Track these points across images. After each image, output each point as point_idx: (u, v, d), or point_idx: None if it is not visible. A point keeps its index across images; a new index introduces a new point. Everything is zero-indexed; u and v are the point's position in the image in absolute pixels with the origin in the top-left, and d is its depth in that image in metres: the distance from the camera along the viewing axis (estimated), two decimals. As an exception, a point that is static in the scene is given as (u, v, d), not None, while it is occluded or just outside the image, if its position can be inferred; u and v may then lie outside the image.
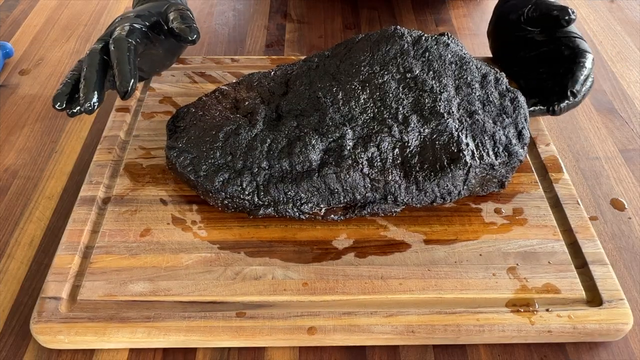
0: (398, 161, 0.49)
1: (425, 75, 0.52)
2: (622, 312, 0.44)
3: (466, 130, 0.50)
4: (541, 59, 0.62)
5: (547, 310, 0.44)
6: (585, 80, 0.58)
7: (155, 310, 0.44)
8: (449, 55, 0.54)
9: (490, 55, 0.73)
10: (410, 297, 0.45)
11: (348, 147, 0.48)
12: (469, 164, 0.49)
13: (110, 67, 0.52)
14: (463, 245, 0.49)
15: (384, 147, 0.49)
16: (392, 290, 0.46)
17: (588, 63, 0.59)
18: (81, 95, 0.50)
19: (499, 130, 0.51)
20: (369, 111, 0.50)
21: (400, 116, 0.50)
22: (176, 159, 0.50)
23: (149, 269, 0.47)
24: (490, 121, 0.51)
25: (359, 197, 0.49)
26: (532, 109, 0.58)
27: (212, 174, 0.49)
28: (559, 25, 0.61)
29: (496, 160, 0.50)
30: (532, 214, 0.52)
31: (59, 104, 0.50)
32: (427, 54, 0.54)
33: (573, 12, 0.60)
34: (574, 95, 0.57)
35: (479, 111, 0.52)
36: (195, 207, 0.52)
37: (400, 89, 0.51)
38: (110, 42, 0.53)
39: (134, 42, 0.53)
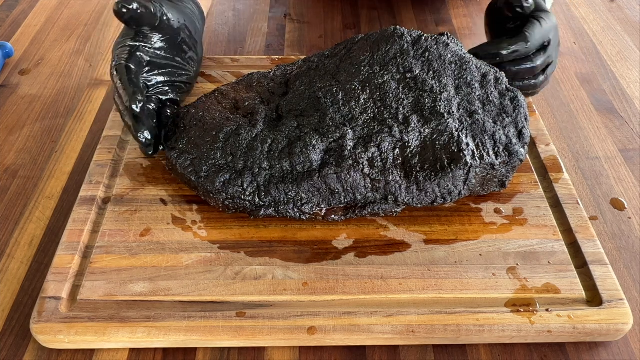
0: (399, 161, 0.49)
1: (425, 75, 0.52)
2: (622, 312, 0.44)
3: (466, 130, 0.50)
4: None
5: (547, 310, 0.44)
6: (541, 32, 0.56)
7: (155, 310, 0.44)
8: (449, 55, 0.54)
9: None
10: (410, 297, 0.45)
11: (349, 148, 0.48)
12: (469, 164, 0.49)
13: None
14: (463, 245, 0.49)
15: (384, 147, 0.49)
16: (392, 290, 0.46)
17: (548, 21, 0.57)
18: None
19: (499, 129, 0.51)
20: (369, 111, 0.50)
21: (400, 116, 0.50)
22: (177, 160, 0.50)
23: (149, 269, 0.47)
24: (491, 121, 0.51)
25: (359, 197, 0.49)
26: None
27: (213, 174, 0.49)
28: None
29: (497, 160, 0.50)
30: (532, 214, 0.52)
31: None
32: (427, 54, 0.54)
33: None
34: (525, 39, 0.55)
35: (479, 111, 0.52)
36: (195, 207, 0.52)
37: (401, 89, 0.51)
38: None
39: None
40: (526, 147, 0.52)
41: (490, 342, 0.44)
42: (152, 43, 0.55)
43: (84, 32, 0.80)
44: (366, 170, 0.48)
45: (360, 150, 0.48)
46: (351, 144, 0.49)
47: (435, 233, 0.50)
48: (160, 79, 0.55)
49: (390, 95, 0.51)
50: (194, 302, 0.45)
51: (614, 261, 0.50)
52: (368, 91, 0.51)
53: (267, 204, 0.49)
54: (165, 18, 0.55)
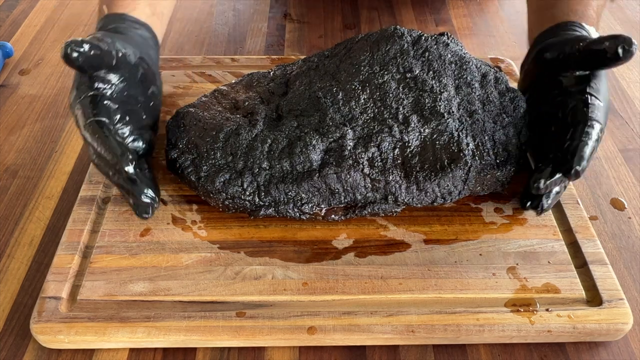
0: (398, 161, 0.49)
1: (425, 75, 0.52)
2: (622, 312, 0.44)
3: (466, 130, 0.50)
4: (549, 116, 0.50)
5: (547, 310, 0.44)
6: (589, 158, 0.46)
7: (155, 310, 0.44)
8: (449, 55, 0.54)
9: (489, 55, 0.73)
10: (410, 297, 0.45)
11: (348, 147, 0.48)
12: (469, 164, 0.49)
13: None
14: (463, 245, 0.49)
15: (384, 147, 0.49)
16: (392, 290, 0.46)
17: (594, 134, 0.46)
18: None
19: (499, 129, 0.51)
20: (369, 111, 0.50)
21: (400, 116, 0.50)
22: (177, 160, 0.50)
23: (149, 269, 0.47)
24: (490, 121, 0.51)
25: (359, 197, 0.49)
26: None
27: (213, 174, 0.49)
28: (606, 63, 0.48)
29: (496, 159, 0.50)
30: (532, 213, 0.52)
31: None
32: (427, 53, 0.54)
33: (632, 44, 0.46)
34: (576, 175, 0.45)
35: (479, 111, 0.51)
36: (195, 207, 0.52)
37: (400, 89, 0.51)
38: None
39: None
40: (525, 146, 0.52)
41: (490, 342, 0.44)
42: (112, 87, 0.47)
43: (84, 32, 0.80)
44: (366, 170, 0.48)
45: (360, 150, 0.48)
46: (351, 143, 0.49)
47: (435, 233, 0.50)
48: (128, 128, 0.47)
49: (390, 95, 0.51)
50: (194, 302, 0.45)
51: (614, 261, 0.50)
52: (368, 91, 0.51)
53: (267, 203, 0.49)
54: (121, 54, 0.47)
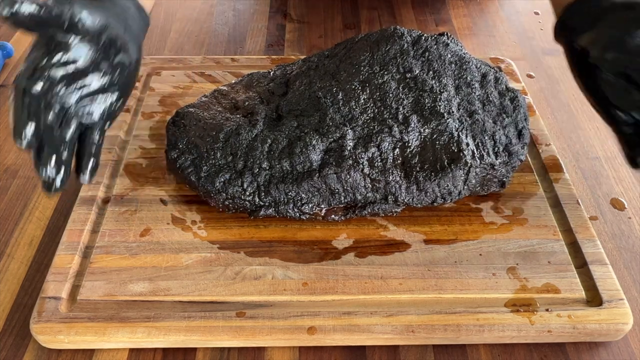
0: (398, 161, 0.49)
1: (425, 75, 0.52)
2: (622, 312, 0.44)
3: (466, 130, 0.50)
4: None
5: (547, 310, 0.44)
6: None
7: (155, 310, 0.44)
8: (449, 55, 0.54)
9: (489, 55, 0.73)
10: (410, 297, 0.45)
11: (348, 147, 0.48)
12: (469, 164, 0.49)
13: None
14: (463, 245, 0.49)
15: (384, 147, 0.49)
16: (392, 290, 0.46)
17: None
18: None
19: (499, 129, 0.51)
20: (369, 111, 0.50)
21: (400, 116, 0.50)
22: (177, 160, 0.50)
23: (149, 269, 0.47)
24: (491, 121, 0.51)
25: (359, 197, 0.49)
26: None
27: (213, 174, 0.49)
28: None
29: (496, 160, 0.50)
30: (532, 214, 0.52)
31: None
32: (427, 53, 0.54)
33: None
34: None
35: (479, 111, 0.52)
36: (195, 207, 0.52)
37: (400, 89, 0.51)
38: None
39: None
40: (526, 147, 0.52)
41: (490, 342, 0.44)
42: (68, 48, 0.44)
43: (84, 32, 0.80)
44: (366, 170, 0.48)
45: (360, 150, 0.48)
46: (351, 143, 0.49)
47: (435, 233, 0.50)
48: (78, 94, 0.44)
49: (390, 95, 0.51)
50: (194, 302, 0.45)
51: (614, 261, 0.50)
52: (368, 91, 0.51)
53: (267, 204, 0.49)
54: (77, 17, 0.44)
